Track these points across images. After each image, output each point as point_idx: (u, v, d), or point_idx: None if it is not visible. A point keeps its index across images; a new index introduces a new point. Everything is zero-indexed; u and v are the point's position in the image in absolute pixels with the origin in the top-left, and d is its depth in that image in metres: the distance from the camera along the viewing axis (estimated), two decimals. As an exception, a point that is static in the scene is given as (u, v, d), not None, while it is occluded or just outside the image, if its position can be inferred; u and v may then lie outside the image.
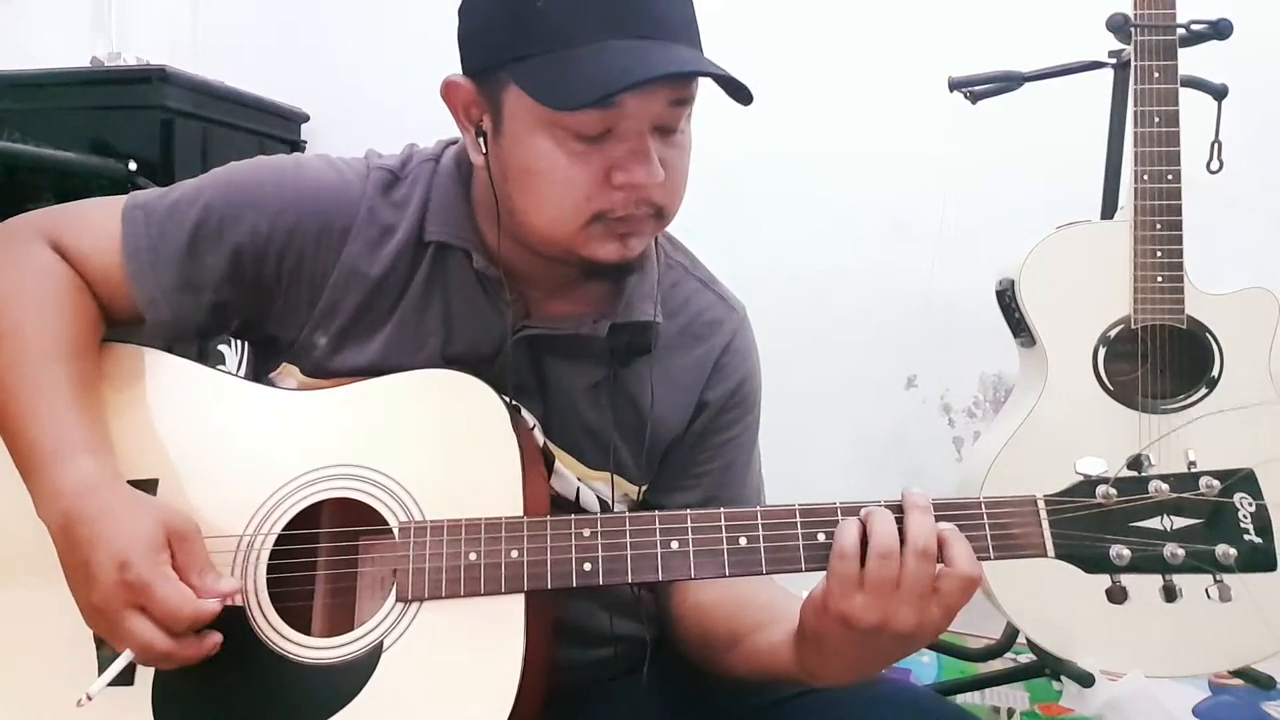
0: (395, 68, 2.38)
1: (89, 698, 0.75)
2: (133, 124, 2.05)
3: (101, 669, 0.81)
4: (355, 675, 0.79)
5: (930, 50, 2.10)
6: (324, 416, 0.88)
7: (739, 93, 0.81)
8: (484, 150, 0.87)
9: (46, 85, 2.09)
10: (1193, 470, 0.78)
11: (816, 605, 0.76)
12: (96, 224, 0.92)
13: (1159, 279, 1.54)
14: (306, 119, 2.52)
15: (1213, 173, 1.67)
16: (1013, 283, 1.60)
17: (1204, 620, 1.45)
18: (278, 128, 2.43)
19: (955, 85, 1.78)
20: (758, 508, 0.81)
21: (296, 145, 2.50)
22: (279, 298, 0.92)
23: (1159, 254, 1.54)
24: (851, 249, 2.29)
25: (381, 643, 0.80)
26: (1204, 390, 1.56)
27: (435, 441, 0.86)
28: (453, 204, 0.93)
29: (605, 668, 0.98)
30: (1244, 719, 1.75)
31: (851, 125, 2.27)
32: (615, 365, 0.94)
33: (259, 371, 0.97)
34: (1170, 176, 1.53)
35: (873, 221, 2.28)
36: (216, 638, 0.78)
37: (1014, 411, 1.65)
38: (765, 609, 0.88)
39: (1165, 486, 0.77)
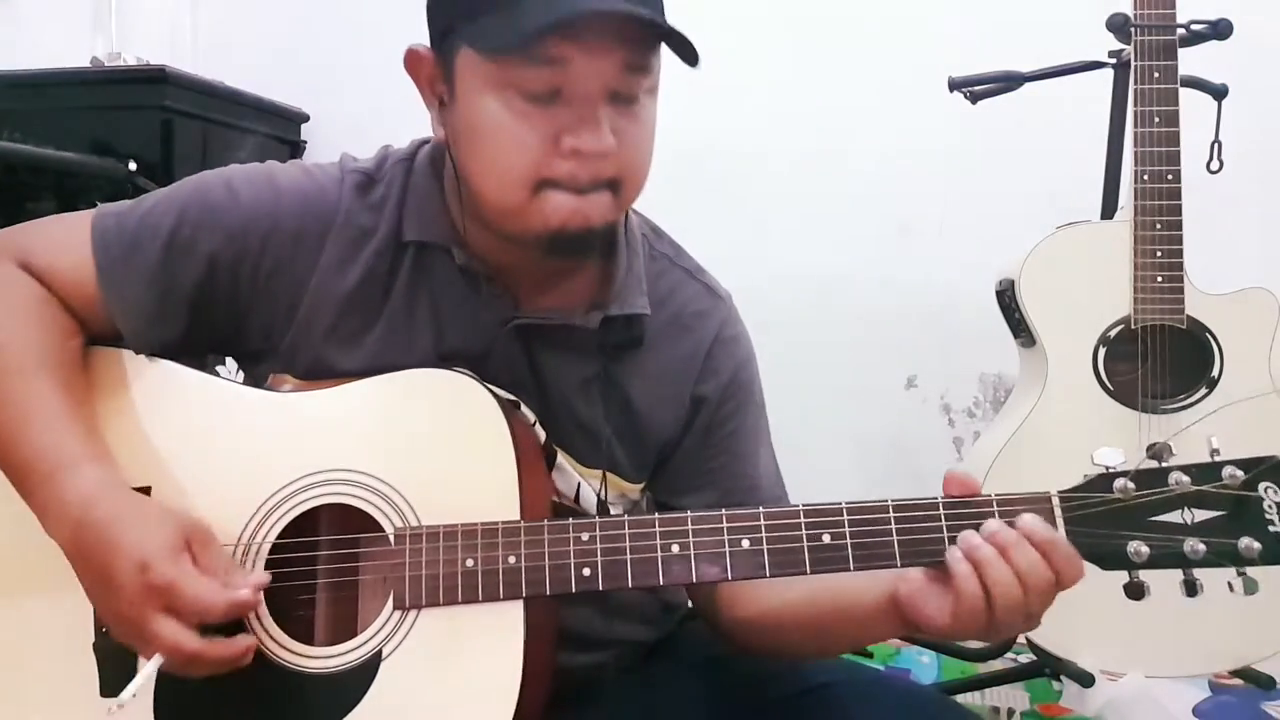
0: (395, 68, 2.35)
1: (120, 705, 0.74)
2: (133, 124, 2.05)
3: (102, 681, 0.80)
4: (354, 684, 0.78)
5: (930, 50, 2.10)
6: (316, 420, 0.87)
7: (684, 49, 0.78)
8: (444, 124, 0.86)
9: (46, 85, 2.09)
10: (1216, 460, 0.74)
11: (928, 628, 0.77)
12: (64, 238, 0.90)
13: (1159, 279, 1.54)
14: (306, 119, 2.51)
15: (1213, 173, 1.67)
16: (1013, 283, 1.60)
17: (1205, 621, 1.45)
18: (278, 128, 2.43)
19: (955, 85, 1.77)
20: (759, 509, 0.79)
21: (296, 145, 2.50)
22: (257, 306, 0.90)
23: (1159, 254, 1.53)
24: (852, 249, 2.29)
25: (380, 651, 0.79)
26: (1204, 390, 1.56)
27: (429, 444, 0.84)
28: (428, 202, 0.91)
29: (603, 670, 0.97)
30: (1244, 719, 1.75)
31: (851, 125, 2.27)
32: (607, 359, 0.93)
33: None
34: (1170, 176, 1.53)
35: (873, 221, 2.28)
36: (250, 640, 0.77)
37: (1014, 411, 1.65)
38: (839, 593, 0.85)
39: (1186, 479, 0.74)
